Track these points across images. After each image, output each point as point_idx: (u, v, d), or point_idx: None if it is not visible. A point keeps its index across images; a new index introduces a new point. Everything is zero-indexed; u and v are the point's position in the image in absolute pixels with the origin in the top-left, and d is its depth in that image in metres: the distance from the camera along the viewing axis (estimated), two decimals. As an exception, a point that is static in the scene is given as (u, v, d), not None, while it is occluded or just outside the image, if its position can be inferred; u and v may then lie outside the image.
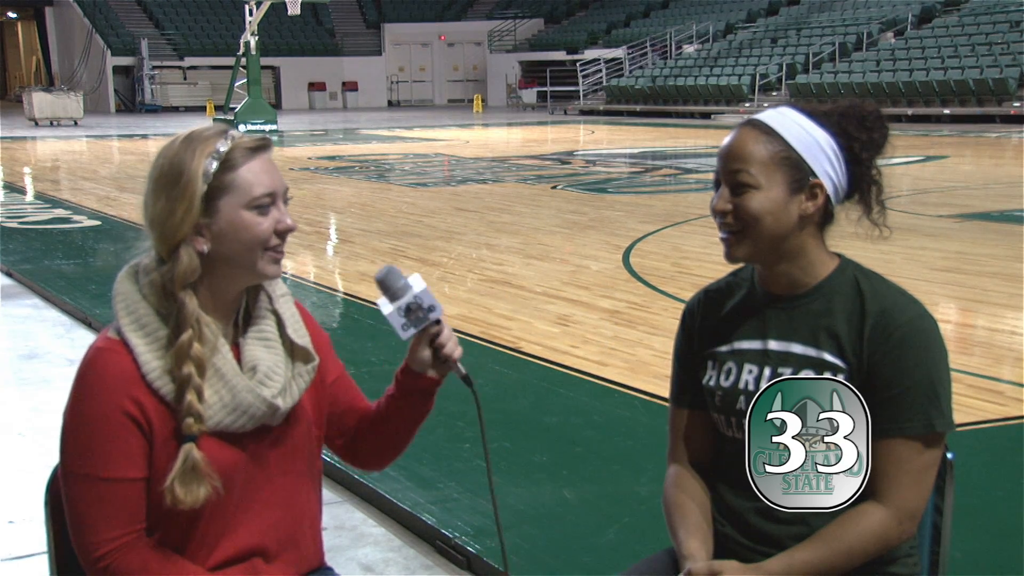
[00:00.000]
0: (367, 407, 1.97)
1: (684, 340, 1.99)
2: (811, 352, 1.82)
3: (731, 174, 1.81)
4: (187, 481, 1.66)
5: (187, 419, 1.67)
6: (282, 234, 1.74)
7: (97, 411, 1.67)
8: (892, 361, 1.76)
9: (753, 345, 1.87)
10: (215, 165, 1.69)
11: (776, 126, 1.81)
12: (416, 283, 1.80)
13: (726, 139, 1.84)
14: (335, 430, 1.95)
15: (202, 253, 1.70)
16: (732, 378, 1.87)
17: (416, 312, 1.79)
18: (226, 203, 1.69)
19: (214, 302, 1.74)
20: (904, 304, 1.80)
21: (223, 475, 1.71)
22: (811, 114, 1.84)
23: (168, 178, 1.69)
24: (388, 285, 1.79)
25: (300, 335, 1.82)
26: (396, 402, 1.91)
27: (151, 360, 1.68)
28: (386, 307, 1.79)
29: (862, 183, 1.86)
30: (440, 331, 1.82)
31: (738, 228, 1.81)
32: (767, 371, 1.84)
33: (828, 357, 1.80)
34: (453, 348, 1.84)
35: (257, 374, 1.74)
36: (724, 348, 1.90)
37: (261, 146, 1.74)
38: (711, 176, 1.88)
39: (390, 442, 1.96)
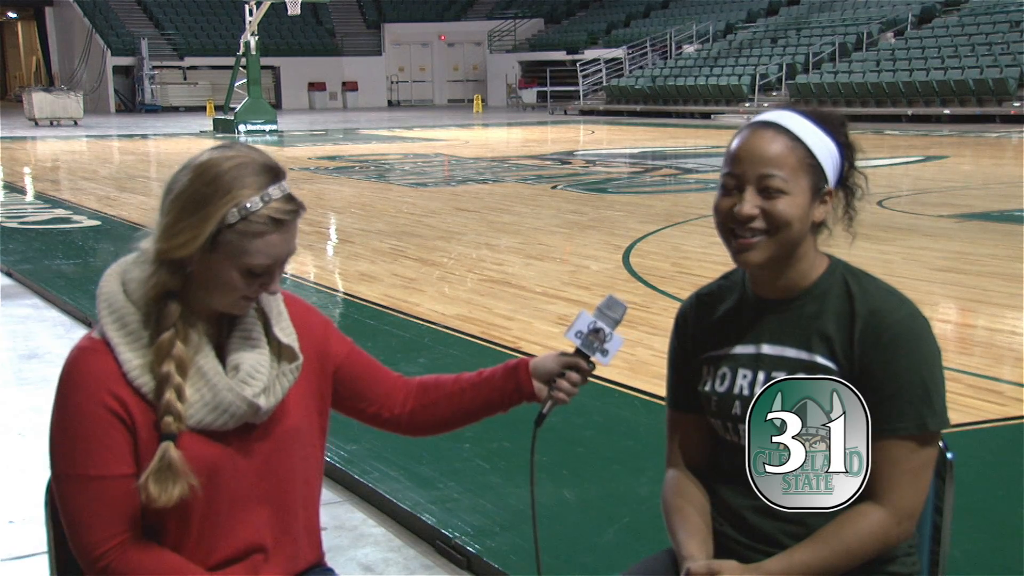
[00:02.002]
0: (388, 373, 2.00)
1: (678, 345, 1.99)
2: (804, 355, 1.82)
3: (761, 178, 1.77)
4: (162, 479, 1.65)
5: (166, 417, 1.67)
6: (261, 291, 1.74)
7: (81, 410, 1.67)
8: (884, 362, 1.76)
9: (747, 350, 1.87)
10: (236, 219, 1.66)
11: (798, 132, 1.80)
12: (618, 335, 1.88)
13: (743, 140, 1.80)
14: (362, 402, 1.97)
15: (187, 270, 1.70)
16: (727, 383, 1.87)
17: (595, 339, 1.86)
18: (225, 255, 1.68)
19: (196, 306, 1.74)
20: (894, 304, 1.80)
21: (207, 472, 1.71)
22: (816, 120, 1.83)
23: (191, 201, 1.67)
24: (609, 306, 1.87)
25: (286, 333, 1.82)
26: (491, 382, 1.96)
27: (132, 358, 1.68)
28: (590, 313, 1.87)
29: (842, 188, 1.87)
30: (583, 370, 1.89)
31: (765, 230, 1.78)
32: (761, 375, 1.84)
33: (820, 360, 1.80)
34: (569, 391, 1.90)
35: (240, 373, 1.74)
36: (718, 353, 1.90)
37: (289, 220, 1.70)
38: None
39: (452, 417, 2.00)
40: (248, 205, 1.66)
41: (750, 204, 1.77)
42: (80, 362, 1.70)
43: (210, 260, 1.68)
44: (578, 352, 1.89)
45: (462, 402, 1.98)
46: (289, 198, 1.71)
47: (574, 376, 1.89)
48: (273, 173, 1.71)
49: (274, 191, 1.69)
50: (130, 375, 1.68)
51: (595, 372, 1.93)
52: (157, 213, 1.72)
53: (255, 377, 1.75)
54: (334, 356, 1.92)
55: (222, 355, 1.76)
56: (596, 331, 1.85)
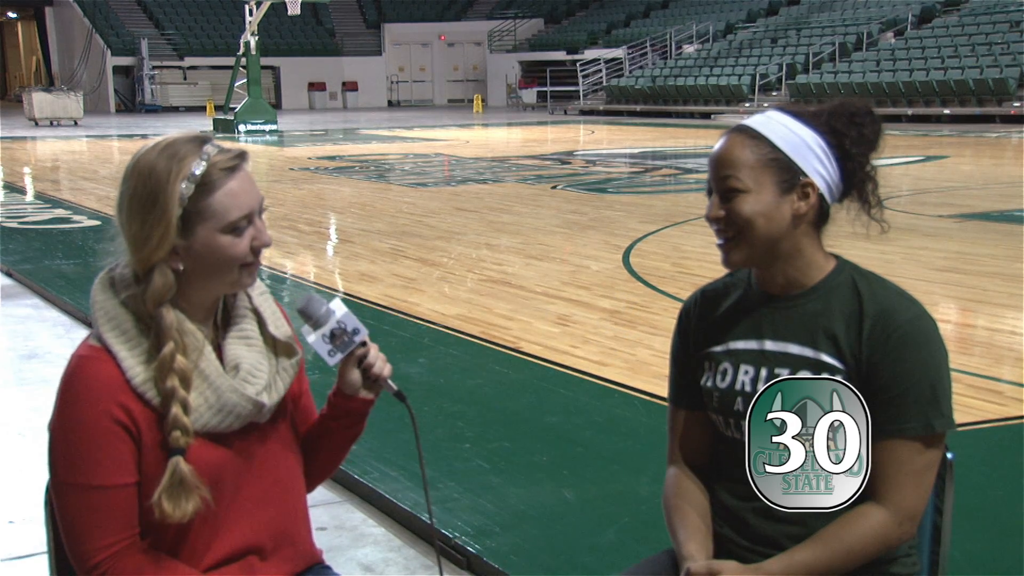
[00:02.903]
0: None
1: (680, 341, 1.99)
2: (808, 353, 1.81)
3: (720, 181, 1.81)
4: (174, 495, 1.65)
5: (174, 432, 1.66)
6: (258, 250, 1.74)
7: (85, 419, 1.66)
8: (892, 362, 1.76)
9: (749, 345, 1.87)
10: (191, 189, 1.67)
11: (762, 129, 1.82)
12: (338, 308, 1.82)
13: (714, 147, 1.85)
14: None
15: (177, 270, 1.70)
16: (728, 379, 1.87)
17: (341, 337, 1.81)
18: (203, 227, 1.68)
19: (192, 308, 1.74)
20: (903, 305, 1.80)
21: (213, 476, 1.71)
22: (798, 115, 1.84)
23: (143, 200, 1.67)
24: (310, 313, 1.80)
25: (282, 331, 1.83)
26: (329, 424, 1.91)
27: (135, 366, 1.67)
28: (310, 335, 1.80)
29: (856, 180, 1.86)
30: (367, 352, 1.84)
31: (732, 233, 1.81)
32: (764, 372, 1.84)
33: (826, 358, 1.80)
34: (382, 367, 1.85)
35: (240, 372, 1.74)
36: (720, 349, 1.90)
37: (237, 164, 1.71)
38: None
39: (320, 464, 1.96)
40: (194, 171, 1.67)
41: (714, 208, 1.82)
42: (83, 370, 1.68)
43: (193, 242, 1.68)
44: (350, 355, 1.84)
45: (323, 450, 1.95)
46: (226, 150, 1.72)
47: (370, 359, 1.85)
48: (200, 139, 1.72)
49: (209, 149, 1.70)
50: (134, 382, 1.67)
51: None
52: (120, 238, 1.71)
53: (255, 375, 1.75)
54: (297, 383, 1.92)
55: (220, 356, 1.76)
56: (334, 336, 1.81)
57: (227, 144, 1.74)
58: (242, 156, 1.73)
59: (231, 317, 1.80)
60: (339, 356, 1.81)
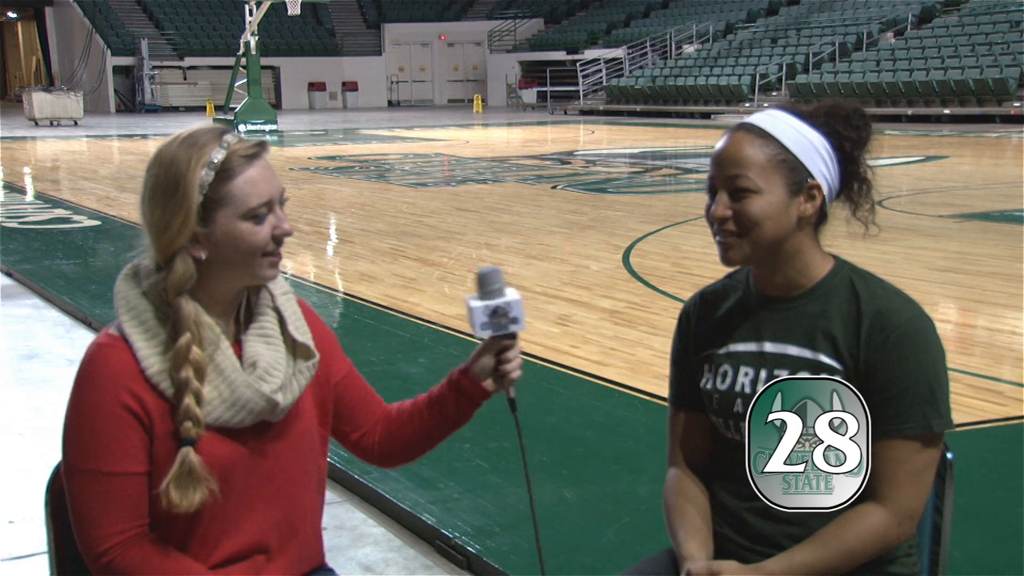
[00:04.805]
0: (379, 401, 2.00)
1: (680, 343, 1.99)
2: (807, 354, 1.81)
3: (729, 180, 1.79)
4: (183, 485, 1.66)
5: (185, 423, 1.67)
6: (279, 239, 1.75)
7: (96, 405, 1.68)
8: (890, 362, 1.76)
9: (749, 347, 1.87)
10: (211, 176, 1.68)
11: (770, 129, 1.81)
12: (511, 293, 1.84)
13: (719, 144, 1.83)
14: (348, 425, 1.96)
15: (199, 259, 1.71)
16: (728, 381, 1.87)
17: (501, 318, 1.83)
18: (223, 214, 1.70)
19: (214, 301, 1.75)
20: (900, 305, 1.80)
21: (222, 471, 1.71)
22: (800, 115, 1.83)
23: (164, 188, 1.69)
24: (487, 282, 1.83)
25: (301, 332, 1.83)
26: (441, 400, 1.93)
27: (151, 356, 1.69)
28: (475, 302, 1.83)
29: (853, 181, 1.86)
30: (511, 346, 1.86)
31: (738, 232, 1.80)
32: (763, 373, 1.84)
33: (824, 359, 1.80)
34: (514, 368, 1.88)
35: (257, 370, 1.75)
36: (719, 351, 1.90)
37: (257, 152, 1.73)
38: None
39: (418, 440, 1.98)
40: (214, 159, 1.69)
41: (721, 206, 1.80)
42: (99, 357, 1.70)
43: (214, 230, 1.69)
44: (496, 339, 1.86)
45: (423, 424, 1.96)
46: (246, 139, 1.74)
47: (510, 354, 1.87)
48: (221, 129, 1.74)
49: (229, 138, 1.72)
50: (148, 372, 1.68)
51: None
52: (144, 230, 1.73)
53: (272, 374, 1.76)
54: (336, 371, 1.93)
55: (239, 352, 1.77)
56: (495, 313, 1.83)
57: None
58: (262, 145, 1.75)
59: (252, 315, 1.81)
60: (488, 333, 1.83)
